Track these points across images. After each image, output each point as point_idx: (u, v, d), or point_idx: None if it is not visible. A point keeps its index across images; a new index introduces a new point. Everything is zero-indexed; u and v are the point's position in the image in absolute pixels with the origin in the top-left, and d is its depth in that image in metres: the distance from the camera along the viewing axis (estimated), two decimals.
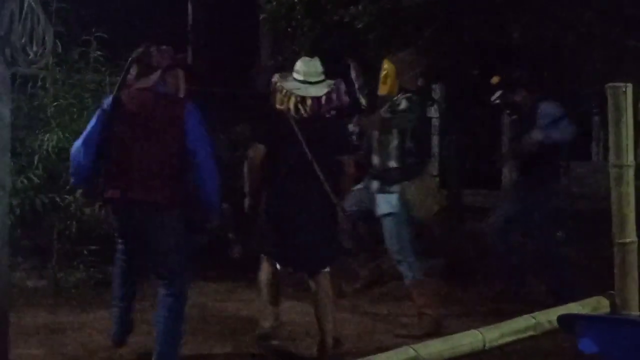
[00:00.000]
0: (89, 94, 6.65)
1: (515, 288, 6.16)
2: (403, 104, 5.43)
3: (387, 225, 5.43)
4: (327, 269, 4.81)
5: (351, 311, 5.89)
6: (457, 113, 8.81)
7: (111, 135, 4.30)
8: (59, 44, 6.62)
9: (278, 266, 4.90)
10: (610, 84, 3.08)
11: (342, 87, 4.94)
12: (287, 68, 5.30)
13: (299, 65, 4.94)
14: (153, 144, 4.25)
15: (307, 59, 5.01)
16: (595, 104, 8.66)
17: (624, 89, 3.05)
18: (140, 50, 4.47)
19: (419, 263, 5.50)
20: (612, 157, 3.08)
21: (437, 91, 10.03)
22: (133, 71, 4.43)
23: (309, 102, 4.77)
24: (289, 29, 7.63)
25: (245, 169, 4.88)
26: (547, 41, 7.72)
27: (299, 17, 7.42)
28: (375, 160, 5.52)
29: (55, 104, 6.67)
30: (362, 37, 7.12)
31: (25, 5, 3.88)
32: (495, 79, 6.16)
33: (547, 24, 7.60)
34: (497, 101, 6.20)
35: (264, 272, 4.93)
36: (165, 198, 4.23)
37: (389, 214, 5.40)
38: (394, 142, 5.42)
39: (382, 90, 5.52)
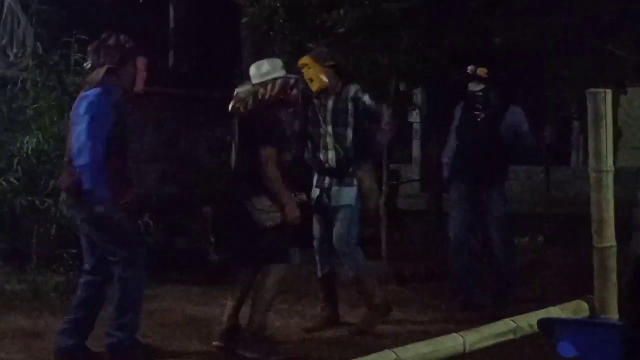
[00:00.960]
0: (69, 97, 6.61)
1: (479, 295, 6.21)
2: (365, 98, 5.47)
3: (343, 217, 5.43)
4: (276, 265, 4.95)
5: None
6: (438, 117, 8.84)
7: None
8: (39, 45, 6.59)
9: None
10: (590, 90, 3.11)
11: (285, 80, 5.07)
12: None
13: (250, 70, 5.18)
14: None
15: (258, 62, 5.20)
16: (574, 109, 8.72)
17: (603, 95, 3.07)
18: (96, 41, 4.57)
19: (363, 259, 5.53)
20: (591, 162, 3.11)
21: (418, 96, 10.09)
22: (88, 64, 4.58)
23: (234, 99, 5.05)
24: (270, 33, 7.62)
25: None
26: (527, 46, 7.77)
27: (281, 21, 7.41)
28: (329, 155, 5.51)
29: (35, 106, 6.63)
30: (343, 41, 7.13)
31: (5, 6, 3.88)
32: (482, 70, 6.16)
33: (527, 29, 7.65)
34: (477, 92, 6.12)
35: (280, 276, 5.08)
36: (67, 184, 4.55)
37: (345, 206, 5.43)
38: (350, 135, 5.46)
39: (314, 86, 5.49)
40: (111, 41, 4.53)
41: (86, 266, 4.72)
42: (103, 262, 4.63)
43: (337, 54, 5.77)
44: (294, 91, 5.14)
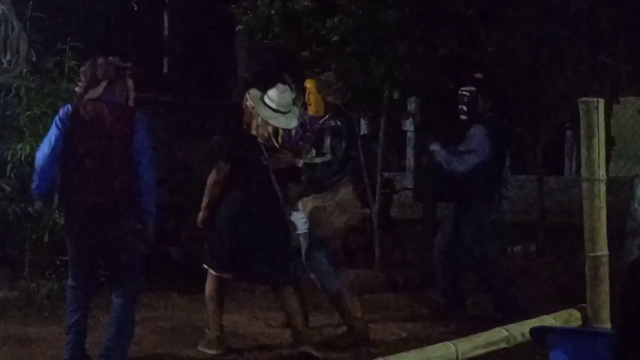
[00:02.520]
0: (63, 104, 6.60)
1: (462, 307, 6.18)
2: (327, 133, 5.48)
3: (301, 243, 5.49)
4: (289, 285, 5.09)
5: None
6: (431, 127, 8.85)
7: (69, 144, 4.49)
8: (33, 52, 6.59)
9: (229, 277, 5.17)
10: (583, 99, 3.12)
11: (306, 117, 5.30)
12: (262, 81, 5.40)
13: (273, 94, 5.18)
14: (104, 152, 4.46)
15: (281, 87, 5.25)
16: (567, 119, 8.75)
17: (596, 104, 3.08)
18: (87, 63, 4.66)
19: (335, 278, 5.51)
20: (584, 172, 3.12)
21: (412, 105, 10.10)
22: (82, 83, 4.62)
23: (281, 132, 5.09)
24: (265, 41, 7.63)
25: (208, 185, 5.14)
26: (521, 56, 7.80)
27: (275, 29, 7.43)
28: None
29: (28, 113, 6.61)
30: (338, 49, 7.15)
31: None
32: (478, 75, 6.15)
33: (520, 39, 7.68)
34: (464, 92, 6.05)
35: (210, 285, 5.18)
36: (116, 203, 4.45)
37: (305, 233, 5.47)
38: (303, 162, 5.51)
39: (310, 110, 5.63)
40: (103, 60, 4.62)
41: (81, 282, 4.65)
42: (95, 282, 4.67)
43: (342, 89, 5.72)
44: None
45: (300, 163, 5.35)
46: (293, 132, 5.18)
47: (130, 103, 4.64)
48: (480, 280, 6.19)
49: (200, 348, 5.18)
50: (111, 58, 4.64)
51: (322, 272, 5.45)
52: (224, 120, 8.55)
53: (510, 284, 6.31)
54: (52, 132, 4.54)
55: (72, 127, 4.48)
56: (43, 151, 4.55)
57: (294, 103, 5.27)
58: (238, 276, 5.26)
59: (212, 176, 5.13)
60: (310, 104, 5.61)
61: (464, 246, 6.03)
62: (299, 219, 5.43)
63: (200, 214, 5.18)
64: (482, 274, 6.07)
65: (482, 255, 5.97)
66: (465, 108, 6.04)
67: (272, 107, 5.11)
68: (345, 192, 5.55)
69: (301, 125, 5.26)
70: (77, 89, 4.66)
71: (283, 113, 5.13)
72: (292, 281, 5.24)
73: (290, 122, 5.15)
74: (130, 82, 4.63)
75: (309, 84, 5.68)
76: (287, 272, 5.18)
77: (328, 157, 5.47)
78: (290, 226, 5.20)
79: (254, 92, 5.23)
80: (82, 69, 4.66)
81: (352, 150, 5.61)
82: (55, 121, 4.54)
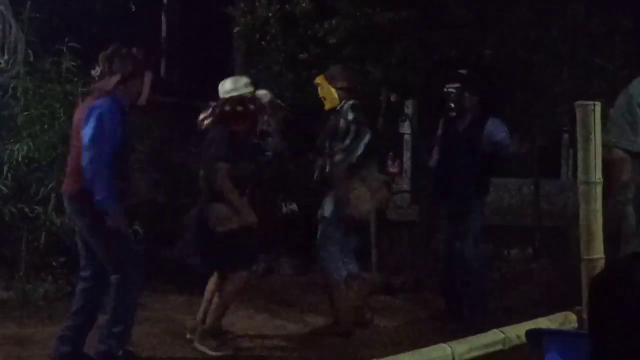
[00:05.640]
0: (60, 104, 6.61)
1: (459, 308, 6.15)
2: (350, 115, 5.58)
3: (320, 228, 5.65)
4: (236, 272, 5.16)
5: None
6: (428, 129, 8.86)
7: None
8: (30, 53, 6.58)
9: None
10: (580, 102, 3.13)
11: (238, 100, 5.22)
12: (260, 82, 5.43)
13: (229, 82, 5.35)
14: (78, 140, 4.53)
15: (224, 80, 5.38)
16: (563, 122, 8.76)
17: (592, 107, 3.09)
18: (109, 50, 4.57)
19: (346, 268, 5.59)
20: (580, 174, 3.12)
21: (409, 107, 10.11)
22: (97, 71, 4.56)
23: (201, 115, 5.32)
24: (262, 43, 7.64)
25: (225, 188, 5.12)
26: (518, 59, 7.82)
27: (273, 31, 7.44)
28: (324, 164, 5.67)
29: (25, 113, 6.61)
30: (335, 51, 7.16)
31: None
32: (462, 71, 6.20)
33: (517, 42, 7.70)
34: (451, 90, 6.07)
35: (234, 284, 5.26)
36: (72, 191, 4.58)
37: (324, 217, 5.61)
38: (328, 147, 5.61)
39: (326, 105, 5.69)
40: (125, 51, 4.56)
41: (83, 273, 4.71)
42: (100, 270, 4.63)
43: (350, 74, 5.86)
44: (250, 108, 5.28)
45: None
46: (201, 116, 5.29)
47: (142, 102, 4.62)
48: (462, 277, 6.15)
49: (196, 344, 5.22)
50: (134, 51, 4.58)
51: (329, 259, 5.57)
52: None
53: (491, 286, 6.29)
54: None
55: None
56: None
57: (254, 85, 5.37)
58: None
59: (220, 177, 5.10)
60: (325, 99, 5.66)
61: (458, 245, 6.03)
62: (326, 205, 5.56)
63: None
64: (467, 271, 6.03)
65: (475, 254, 5.96)
66: (452, 105, 6.08)
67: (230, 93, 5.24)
68: (373, 173, 5.63)
69: (226, 106, 5.21)
70: (92, 72, 4.62)
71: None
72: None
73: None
74: (147, 78, 4.60)
75: (318, 79, 5.76)
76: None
77: (351, 138, 5.53)
78: (211, 218, 5.14)
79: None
80: (102, 54, 4.58)
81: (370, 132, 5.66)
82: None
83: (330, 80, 5.65)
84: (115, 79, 4.48)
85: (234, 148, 5.18)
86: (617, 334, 1.67)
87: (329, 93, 5.64)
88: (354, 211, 5.52)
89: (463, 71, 6.25)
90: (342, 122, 5.59)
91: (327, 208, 5.60)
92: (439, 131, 6.32)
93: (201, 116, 5.34)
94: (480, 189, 6.11)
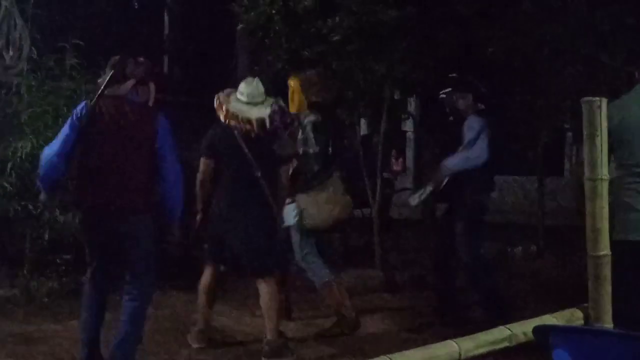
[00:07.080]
0: (64, 101, 6.61)
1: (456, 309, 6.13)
2: (307, 128, 5.61)
3: (291, 236, 5.64)
4: (271, 277, 5.09)
5: None
6: (431, 127, 8.87)
7: (87, 142, 4.40)
8: (34, 50, 6.58)
9: (222, 269, 5.26)
10: (586, 99, 3.12)
11: (282, 104, 5.24)
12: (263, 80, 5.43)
13: (242, 86, 5.21)
14: (126, 151, 4.39)
15: (250, 79, 5.28)
16: (567, 120, 8.75)
17: (598, 104, 3.08)
18: (116, 58, 4.57)
19: (325, 268, 5.64)
20: (586, 171, 3.11)
21: (412, 104, 10.11)
22: (105, 77, 4.53)
23: (254, 122, 5.05)
24: (266, 40, 7.63)
25: (197, 183, 5.18)
26: (522, 56, 7.80)
27: (277, 28, 7.43)
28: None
29: (29, 110, 6.61)
30: (339, 49, 7.15)
31: (2, 9, 3.88)
32: (452, 75, 6.22)
33: (521, 39, 7.68)
34: (443, 96, 6.07)
35: (205, 277, 5.27)
36: (138, 203, 4.39)
37: (291, 226, 5.60)
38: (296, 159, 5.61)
39: (292, 108, 5.66)
40: (136, 58, 4.59)
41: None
42: (110, 277, 4.60)
43: (326, 89, 5.85)
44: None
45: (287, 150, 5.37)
46: (267, 121, 5.09)
47: (150, 104, 4.62)
48: (468, 279, 6.13)
49: (189, 341, 5.28)
50: (141, 58, 4.61)
51: (311, 262, 5.61)
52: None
53: (500, 284, 6.25)
54: (67, 128, 4.43)
55: (91, 123, 4.39)
56: (53, 147, 4.45)
57: (268, 93, 5.26)
58: (230, 268, 5.34)
59: (199, 174, 5.17)
60: (293, 102, 5.66)
61: (458, 244, 6.01)
62: (290, 212, 5.50)
63: (199, 214, 5.21)
64: (471, 272, 6.01)
65: (475, 254, 5.92)
66: (448, 110, 6.10)
67: (243, 100, 5.13)
68: (335, 185, 5.66)
69: (280, 113, 5.15)
70: (99, 80, 4.58)
71: (255, 104, 5.12)
72: (278, 273, 5.27)
73: (261, 111, 5.10)
74: (153, 85, 4.61)
75: (292, 81, 5.74)
76: (272, 264, 5.17)
77: (313, 149, 5.57)
78: (278, 218, 5.21)
79: (227, 91, 5.29)
80: (110, 62, 4.55)
81: (335, 147, 5.71)
82: (72, 117, 4.45)
83: (303, 89, 5.64)
84: (130, 83, 4.49)
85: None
86: None
87: (298, 99, 5.66)
88: (310, 221, 5.56)
89: (454, 75, 6.25)
90: (300, 134, 5.60)
91: (293, 216, 5.54)
92: (442, 136, 6.35)
93: (256, 122, 5.10)
94: (482, 188, 6.05)
